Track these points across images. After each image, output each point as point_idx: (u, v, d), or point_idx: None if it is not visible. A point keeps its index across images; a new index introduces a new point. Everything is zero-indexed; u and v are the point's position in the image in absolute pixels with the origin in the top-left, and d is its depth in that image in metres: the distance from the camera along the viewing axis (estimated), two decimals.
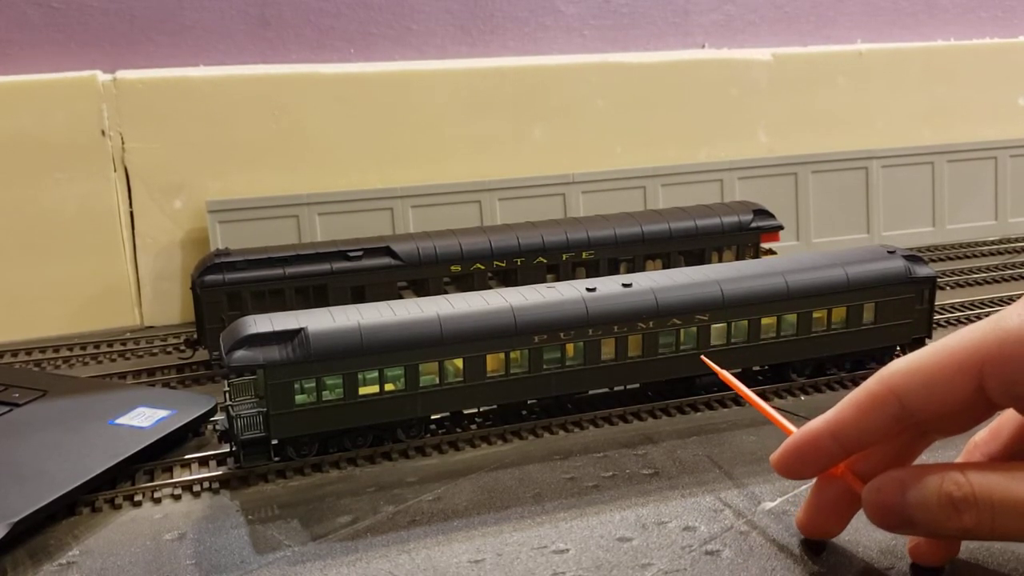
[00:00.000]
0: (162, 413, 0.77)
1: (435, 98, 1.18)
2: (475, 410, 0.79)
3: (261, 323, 0.72)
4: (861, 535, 0.58)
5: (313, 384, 0.72)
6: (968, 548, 0.56)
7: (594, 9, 1.29)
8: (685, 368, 0.81)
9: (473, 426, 0.79)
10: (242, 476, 0.71)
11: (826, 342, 0.86)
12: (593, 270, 1.05)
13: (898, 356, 0.88)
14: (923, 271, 0.88)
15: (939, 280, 0.93)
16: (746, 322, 0.83)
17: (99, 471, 0.68)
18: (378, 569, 0.58)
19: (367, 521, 0.64)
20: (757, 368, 0.87)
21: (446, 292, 0.98)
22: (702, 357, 0.79)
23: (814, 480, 0.58)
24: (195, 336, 0.95)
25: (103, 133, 1.06)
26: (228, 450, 0.73)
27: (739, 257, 1.09)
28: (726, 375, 0.73)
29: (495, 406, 0.79)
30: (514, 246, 1.02)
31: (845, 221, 1.33)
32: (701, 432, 0.77)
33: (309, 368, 0.70)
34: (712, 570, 0.56)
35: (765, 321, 0.84)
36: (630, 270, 1.05)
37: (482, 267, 1.00)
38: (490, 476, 0.70)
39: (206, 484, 0.70)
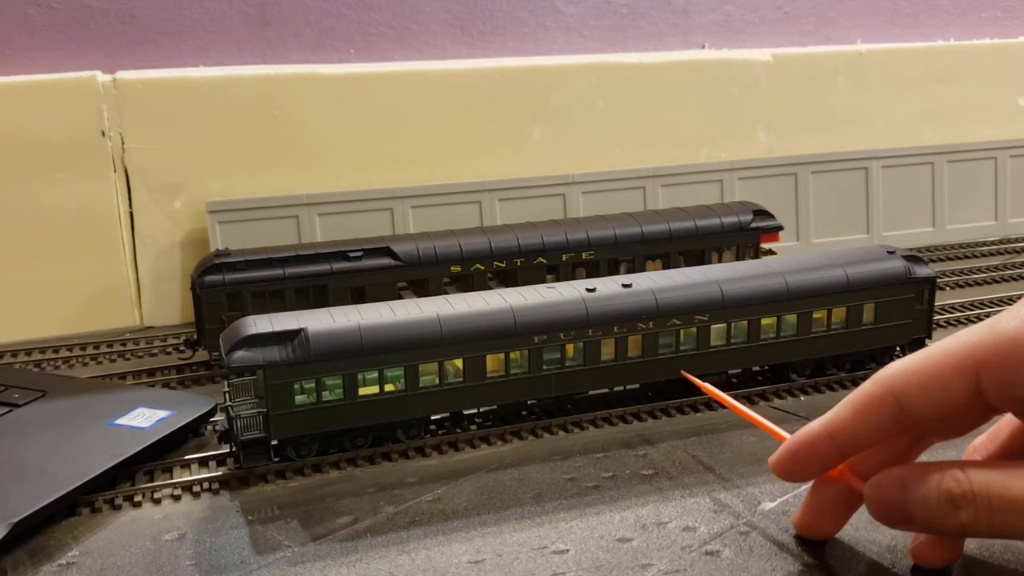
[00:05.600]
0: (162, 414, 0.77)
1: (435, 98, 1.18)
2: (475, 410, 0.79)
3: (261, 323, 0.72)
4: (861, 534, 0.59)
5: (313, 384, 0.72)
6: (978, 547, 0.56)
7: (594, 9, 1.29)
8: (685, 368, 0.81)
9: (473, 426, 0.79)
10: (242, 476, 0.71)
11: (826, 342, 0.86)
12: (593, 270, 1.05)
13: (898, 357, 0.88)
14: (923, 271, 0.88)
15: (939, 280, 0.93)
16: (746, 322, 0.83)
17: (99, 472, 0.68)
18: (378, 570, 0.58)
19: (367, 522, 0.64)
20: (757, 368, 0.87)
21: (446, 292, 0.99)
22: (683, 372, 0.79)
23: (812, 481, 0.58)
24: (195, 336, 0.95)
25: (103, 133, 1.06)
26: (228, 451, 0.73)
27: (739, 257, 1.09)
28: (711, 388, 0.74)
29: (495, 406, 0.79)
30: (514, 246, 1.02)
31: (845, 221, 1.33)
32: (701, 432, 0.77)
33: (309, 368, 0.71)
34: (712, 570, 0.56)
35: (765, 321, 0.84)
36: (630, 270, 1.05)
37: (482, 267, 1.00)
38: (490, 476, 0.70)
39: (206, 484, 0.70)
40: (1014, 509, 0.48)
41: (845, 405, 0.53)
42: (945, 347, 0.51)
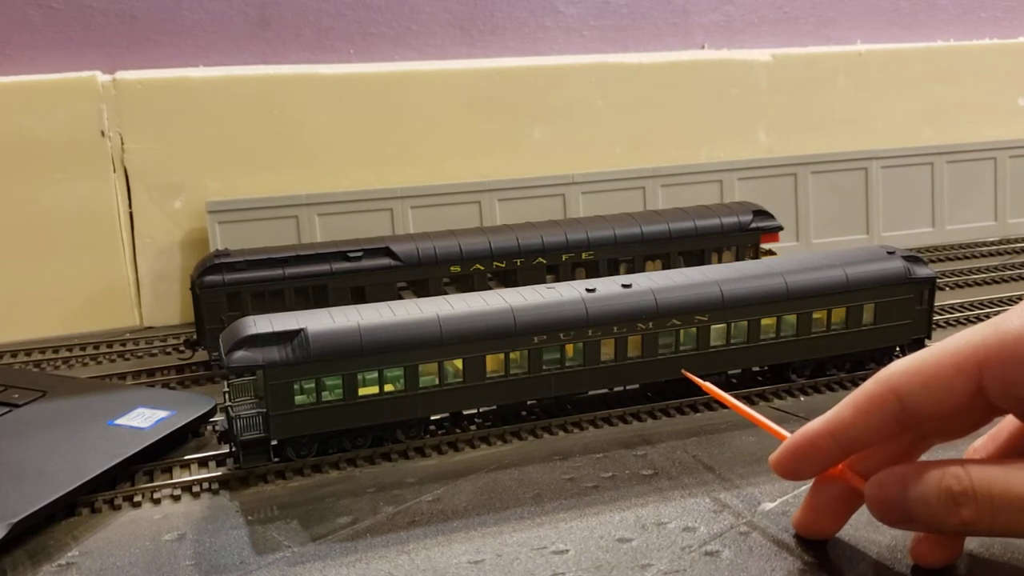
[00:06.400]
0: (162, 414, 0.77)
1: (435, 98, 1.18)
2: (475, 411, 0.79)
3: (261, 324, 0.72)
4: (861, 534, 0.59)
5: (313, 385, 0.72)
6: (978, 547, 0.56)
7: (594, 9, 1.29)
8: (685, 369, 0.81)
9: (473, 427, 0.79)
10: (242, 477, 0.71)
11: (826, 343, 0.86)
12: (593, 271, 1.05)
13: (898, 357, 0.88)
14: (923, 272, 0.88)
15: (939, 281, 0.93)
16: (746, 323, 0.82)
17: (99, 472, 0.68)
18: (378, 570, 0.58)
19: (367, 522, 0.64)
20: (757, 369, 0.87)
21: (446, 293, 0.98)
22: (683, 371, 0.79)
23: (812, 480, 0.58)
24: (195, 337, 0.95)
25: (103, 133, 1.06)
26: (228, 451, 0.73)
27: (739, 258, 1.09)
28: (711, 387, 0.74)
29: (495, 407, 0.79)
30: (514, 247, 1.01)
31: (845, 221, 1.33)
32: (701, 433, 0.77)
33: (309, 369, 0.70)
34: (712, 571, 0.56)
35: (765, 322, 0.84)
36: (630, 271, 1.05)
37: (482, 268, 1.00)
38: (490, 476, 0.70)
39: (206, 485, 0.70)
40: (1015, 506, 0.48)
41: (847, 403, 0.53)
42: (948, 346, 0.51)
